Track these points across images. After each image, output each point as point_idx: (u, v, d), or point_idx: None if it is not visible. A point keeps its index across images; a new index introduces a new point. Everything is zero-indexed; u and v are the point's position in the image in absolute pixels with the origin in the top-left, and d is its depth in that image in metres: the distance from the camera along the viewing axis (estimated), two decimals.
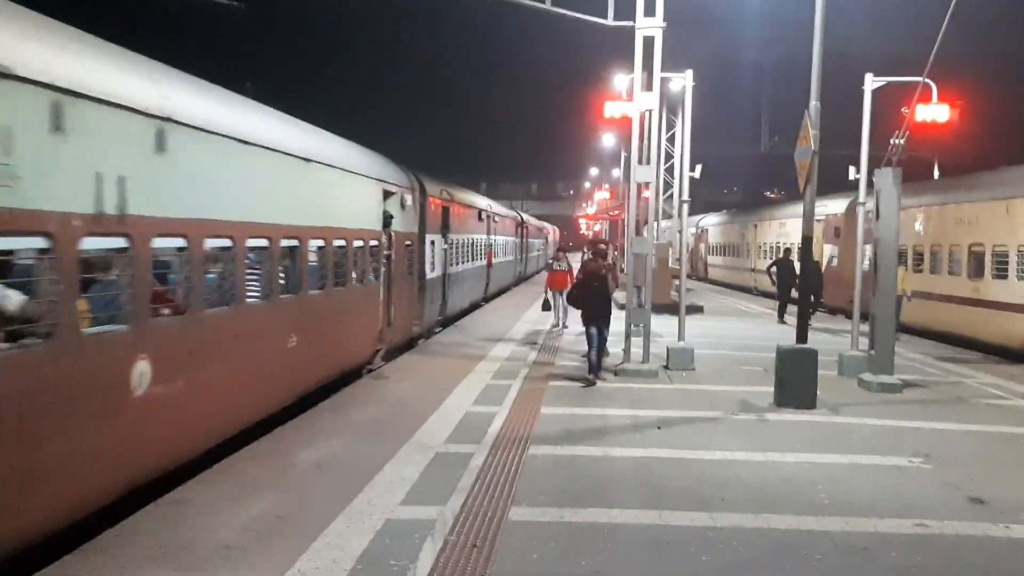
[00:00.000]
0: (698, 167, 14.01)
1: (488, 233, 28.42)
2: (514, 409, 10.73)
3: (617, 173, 59.22)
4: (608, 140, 52.32)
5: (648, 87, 13.32)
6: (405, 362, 14.75)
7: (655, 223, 15.65)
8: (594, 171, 79.77)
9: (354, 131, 16.27)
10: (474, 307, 25.90)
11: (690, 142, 14.15)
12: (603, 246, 15.73)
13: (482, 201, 28.47)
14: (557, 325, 19.71)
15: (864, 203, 14.63)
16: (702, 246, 46.03)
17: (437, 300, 19.35)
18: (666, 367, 14.10)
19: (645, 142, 13.75)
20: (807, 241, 11.37)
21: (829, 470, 8.26)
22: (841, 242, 26.16)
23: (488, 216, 28.57)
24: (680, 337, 14.41)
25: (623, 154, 49.44)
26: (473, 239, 24.92)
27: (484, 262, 27.53)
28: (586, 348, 13.16)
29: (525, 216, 47.78)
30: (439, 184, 20.01)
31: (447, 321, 20.58)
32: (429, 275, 17.88)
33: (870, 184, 14.60)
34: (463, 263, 23.04)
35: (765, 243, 35.23)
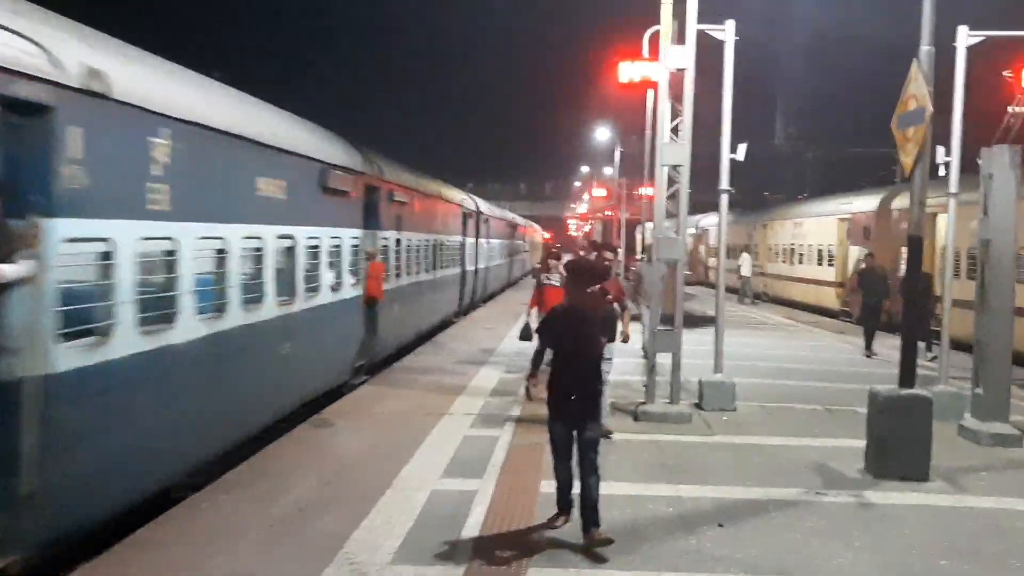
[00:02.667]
0: (741, 147, 10.72)
1: (381, 227, 13.55)
2: (502, 486, 7.43)
3: (609, 171, 56.12)
4: (602, 135, 49.22)
5: (680, 40, 10.09)
6: (360, 398, 11.42)
7: (680, 218, 12.04)
8: (585, 169, 76.71)
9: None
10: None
11: (691, 134, 10.85)
12: (600, 255, 11.79)
13: (350, 155, 12.18)
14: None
15: (941, 195, 11.36)
16: (702, 248, 42.89)
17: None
18: (698, 406, 10.87)
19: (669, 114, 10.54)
20: (915, 245, 8.10)
21: None
22: (873, 244, 22.99)
23: (372, 189, 12.96)
24: (716, 367, 11.15)
25: (618, 149, 46.31)
26: (311, 241, 10.16)
27: (350, 292, 11.87)
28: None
29: (483, 203, 29.54)
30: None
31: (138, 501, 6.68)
32: None
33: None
34: (195, 319, 7.25)
35: (776, 245, 32.16)
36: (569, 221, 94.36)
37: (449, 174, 27.41)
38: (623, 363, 13.55)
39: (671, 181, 10.90)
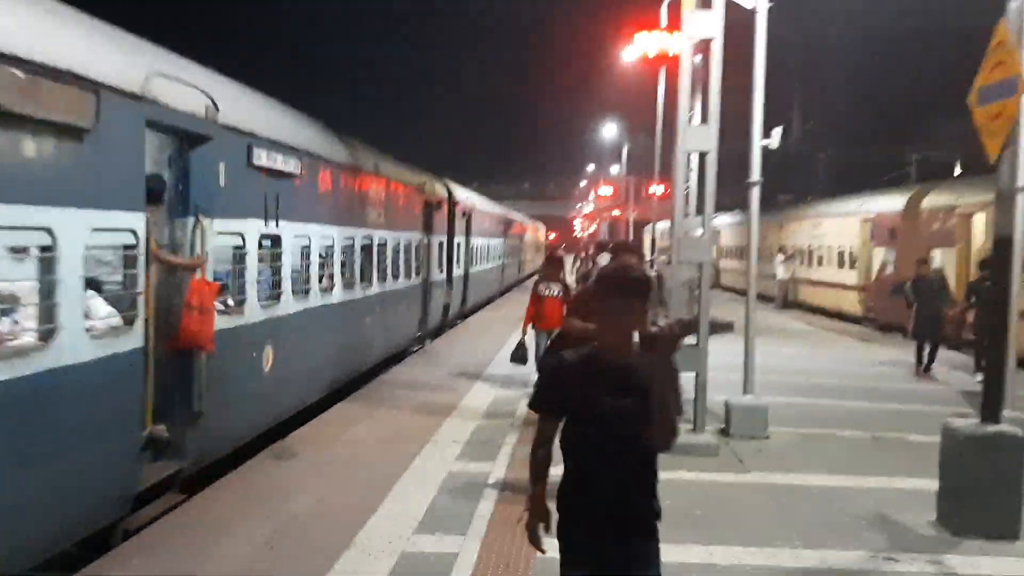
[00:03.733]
0: (777, 131, 9.23)
1: (217, 212, 7.20)
2: (489, 546, 5.94)
3: (616, 169, 54.60)
4: (609, 131, 47.78)
5: (706, 3, 8.60)
6: (335, 420, 9.92)
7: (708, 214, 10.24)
8: (591, 167, 75.23)
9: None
10: None
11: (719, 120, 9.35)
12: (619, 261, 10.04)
13: (91, 51, 5.52)
14: None
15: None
16: (713, 248, 41.33)
17: None
18: (724, 433, 9.37)
19: (692, 92, 9.05)
20: (1004, 248, 6.57)
21: None
22: (900, 246, 21.46)
23: (195, 139, 6.86)
24: (746, 387, 9.64)
25: (626, 146, 44.86)
26: None
27: (91, 348, 5.40)
28: None
29: (461, 191, 22.51)
30: None
31: None
32: None
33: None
34: None
35: (794, 246, 30.61)
36: (575, 221, 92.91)
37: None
38: None
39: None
